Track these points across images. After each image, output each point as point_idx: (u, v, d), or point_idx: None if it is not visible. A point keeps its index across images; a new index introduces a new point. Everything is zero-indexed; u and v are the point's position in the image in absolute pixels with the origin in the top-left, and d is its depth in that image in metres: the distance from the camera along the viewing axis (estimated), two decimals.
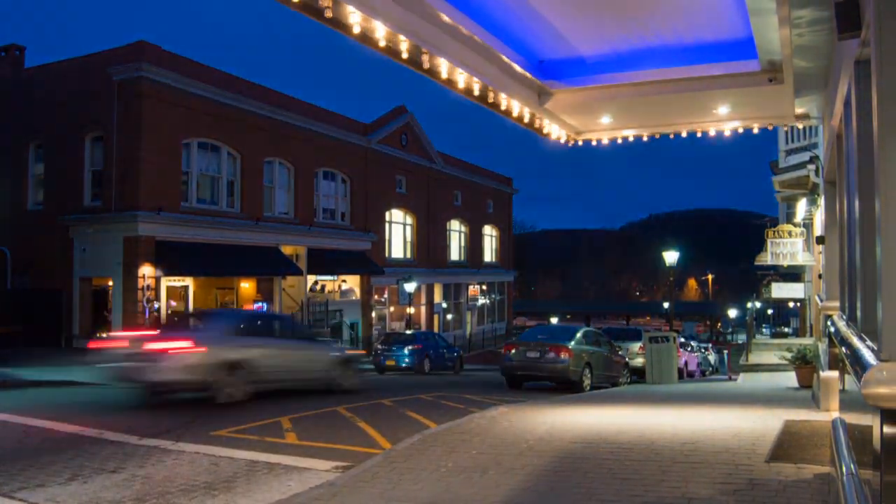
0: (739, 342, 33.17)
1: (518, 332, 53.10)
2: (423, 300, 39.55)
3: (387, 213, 36.59)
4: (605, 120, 10.82)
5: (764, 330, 31.18)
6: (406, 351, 23.36)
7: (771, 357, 18.26)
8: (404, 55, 7.29)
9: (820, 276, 14.20)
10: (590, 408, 11.08)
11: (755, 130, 10.97)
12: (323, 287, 32.58)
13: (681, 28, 7.76)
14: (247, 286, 27.80)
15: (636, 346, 20.09)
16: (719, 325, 76.36)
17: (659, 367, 16.93)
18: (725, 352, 34.00)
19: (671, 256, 23.18)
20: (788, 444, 7.11)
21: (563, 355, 15.41)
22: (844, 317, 4.80)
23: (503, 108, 9.31)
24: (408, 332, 27.67)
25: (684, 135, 11.39)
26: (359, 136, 33.18)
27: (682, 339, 23.64)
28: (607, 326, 26.22)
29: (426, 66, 7.64)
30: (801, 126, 12.40)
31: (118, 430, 9.09)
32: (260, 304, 27.38)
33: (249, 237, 26.32)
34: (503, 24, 7.81)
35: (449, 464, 6.81)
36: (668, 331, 20.27)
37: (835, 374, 7.84)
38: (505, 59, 8.28)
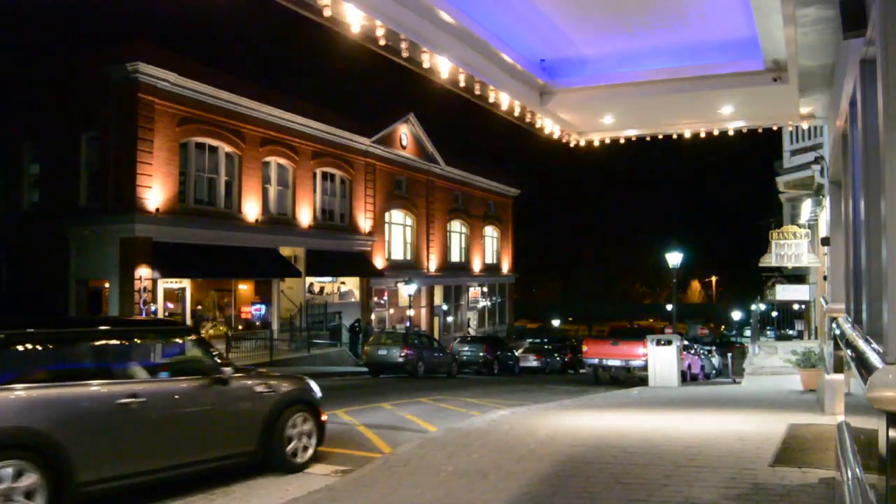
0: (744, 343, 33.06)
1: (519, 334, 53.19)
2: (424, 302, 39.48)
3: (386, 214, 36.52)
4: (608, 120, 10.76)
5: (768, 332, 31.00)
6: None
7: (775, 360, 18.14)
8: (404, 54, 7.23)
9: (825, 278, 14.13)
10: (591, 412, 11.01)
11: (759, 130, 10.91)
12: (322, 289, 32.52)
13: (684, 27, 7.70)
14: (245, 288, 27.72)
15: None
16: (723, 327, 76.18)
17: (662, 369, 16.84)
18: (729, 354, 33.89)
19: (674, 258, 23.07)
20: (793, 448, 7.04)
21: None
22: (850, 319, 4.73)
23: (504, 108, 9.25)
24: (400, 332, 27.52)
25: (688, 135, 11.32)
26: (358, 137, 33.11)
27: (686, 342, 23.53)
28: (612, 328, 26.10)
29: (426, 65, 7.58)
30: (805, 126, 12.34)
31: None
32: (258, 306, 27.32)
33: (248, 238, 26.21)
34: (504, 23, 7.75)
35: (449, 468, 6.75)
36: (672, 333, 20.18)
37: (840, 377, 7.76)
38: (506, 58, 8.23)
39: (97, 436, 5.75)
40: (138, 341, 6.87)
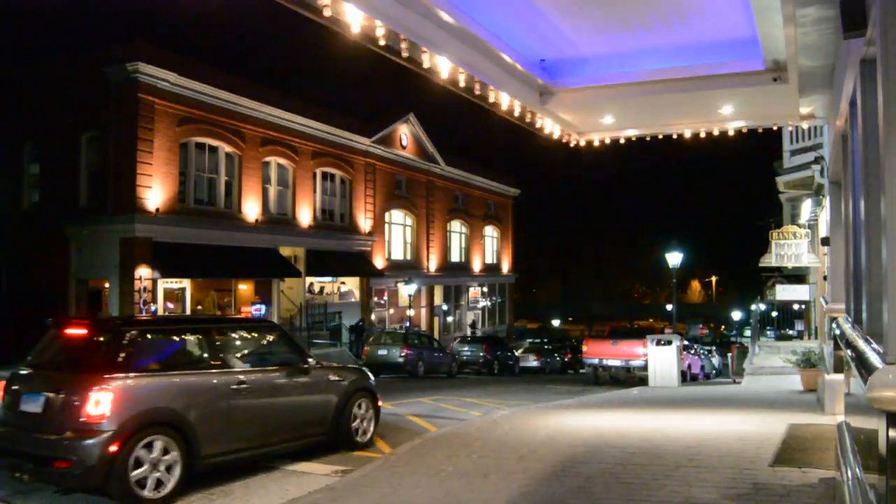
0: (744, 343, 33.11)
1: (519, 334, 53.16)
2: (424, 302, 39.46)
3: (386, 214, 36.49)
4: (608, 120, 10.75)
5: (768, 332, 31.02)
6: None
7: (775, 360, 18.12)
8: (404, 54, 7.23)
9: (825, 278, 14.12)
10: (591, 412, 11.01)
11: (759, 130, 10.90)
12: (322, 289, 32.50)
13: (684, 27, 7.69)
14: (245, 288, 27.68)
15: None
16: (723, 327, 76.12)
17: (662, 369, 16.83)
18: (729, 354, 33.90)
19: (674, 258, 23.04)
20: (793, 448, 7.04)
21: None
22: (850, 319, 4.72)
23: (504, 108, 9.24)
24: (400, 332, 27.50)
25: (688, 135, 11.30)
26: (358, 137, 33.09)
27: (686, 342, 23.54)
28: (612, 328, 26.10)
29: (426, 65, 7.57)
30: (805, 126, 12.33)
31: None
32: (258, 306, 27.29)
33: (248, 238, 26.16)
34: (504, 23, 7.75)
35: (449, 468, 6.75)
36: (672, 333, 20.18)
37: (840, 377, 7.75)
38: (506, 58, 8.22)
39: (215, 416, 6.67)
40: (240, 334, 7.84)
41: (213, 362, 6.98)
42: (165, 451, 6.12)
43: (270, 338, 8.29)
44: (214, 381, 6.80)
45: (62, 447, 5.78)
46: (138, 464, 5.92)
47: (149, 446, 6.02)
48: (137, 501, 5.91)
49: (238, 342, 7.70)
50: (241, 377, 7.04)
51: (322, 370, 8.16)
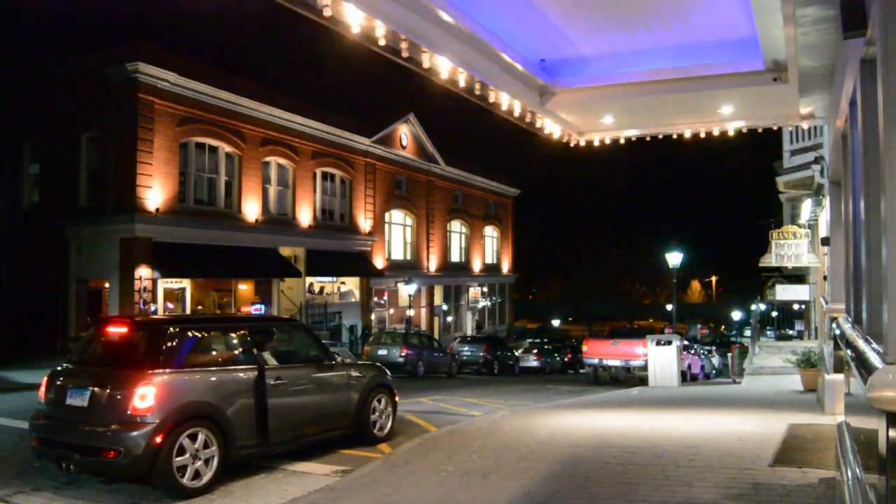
0: (744, 343, 33.17)
1: (519, 334, 53.15)
2: (424, 302, 39.46)
3: (386, 214, 36.49)
4: (608, 120, 10.75)
5: (768, 332, 31.06)
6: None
7: (775, 360, 18.12)
8: (404, 54, 7.24)
9: (825, 278, 14.12)
10: (591, 412, 11.01)
11: (759, 130, 10.89)
12: (322, 289, 32.49)
13: (684, 27, 7.69)
14: (245, 288, 27.67)
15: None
16: (723, 327, 76.15)
17: (662, 369, 16.83)
18: (729, 354, 33.92)
19: (674, 258, 23.03)
20: (793, 448, 7.04)
21: None
22: (850, 319, 4.72)
23: (504, 108, 9.25)
24: (400, 332, 27.49)
25: (688, 135, 11.30)
26: (358, 137, 33.09)
27: (686, 342, 23.53)
28: (612, 328, 26.11)
29: (426, 65, 7.58)
30: (805, 126, 12.32)
31: None
32: (258, 306, 27.30)
33: (248, 238, 26.16)
34: (504, 23, 7.75)
35: (449, 468, 6.75)
36: (672, 333, 20.17)
37: (840, 377, 7.76)
38: (506, 58, 8.22)
39: (249, 410, 6.98)
40: (272, 333, 8.04)
41: (246, 359, 7.27)
42: (205, 443, 6.43)
43: (298, 336, 8.66)
44: (248, 376, 7.08)
45: (110, 438, 6.07)
46: (179, 454, 6.24)
47: (190, 437, 6.33)
48: (179, 489, 6.24)
49: (272, 339, 7.96)
50: (273, 373, 7.34)
51: (345, 367, 8.56)
